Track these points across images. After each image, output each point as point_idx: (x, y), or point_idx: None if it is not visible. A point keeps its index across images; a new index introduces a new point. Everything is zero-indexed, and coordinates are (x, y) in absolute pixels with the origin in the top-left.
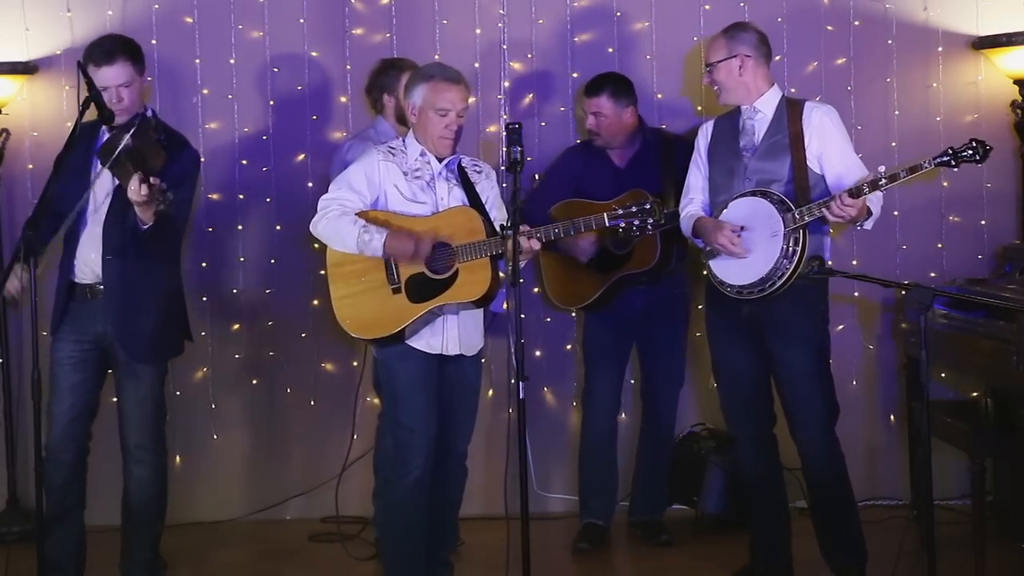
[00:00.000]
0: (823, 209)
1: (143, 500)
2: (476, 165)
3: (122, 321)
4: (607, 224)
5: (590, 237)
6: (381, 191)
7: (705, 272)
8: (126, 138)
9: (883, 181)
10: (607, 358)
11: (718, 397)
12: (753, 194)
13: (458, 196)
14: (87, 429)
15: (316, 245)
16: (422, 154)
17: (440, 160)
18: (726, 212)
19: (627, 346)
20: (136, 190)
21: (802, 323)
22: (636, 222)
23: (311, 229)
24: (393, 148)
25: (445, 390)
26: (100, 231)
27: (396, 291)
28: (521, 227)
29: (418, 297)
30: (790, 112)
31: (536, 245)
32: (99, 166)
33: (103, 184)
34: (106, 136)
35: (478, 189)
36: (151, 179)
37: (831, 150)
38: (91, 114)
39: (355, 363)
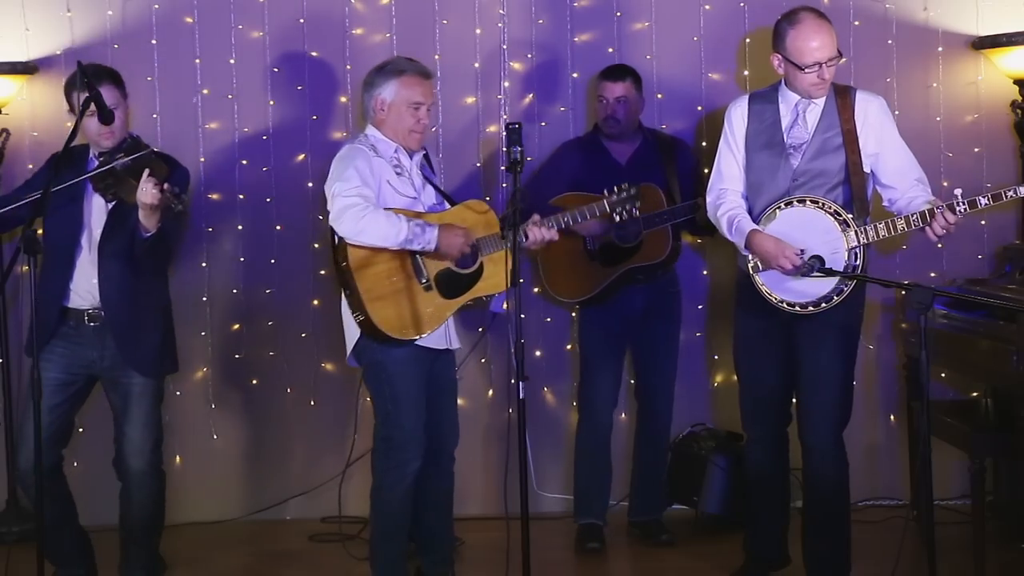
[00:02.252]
0: (916, 226)
1: (144, 518)
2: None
3: (126, 340)
4: (607, 210)
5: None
6: (378, 186)
7: (706, 272)
8: (119, 157)
9: (963, 207)
10: (607, 356)
11: (739, 396)
12: (803, 202)
13: (430, 190)
14: (59, 452)
15: (316, 245)
16: (395, 151)
17: (410, 155)
18: (774, 224)
19: (624, 345)
20: (147, 191)
21: (839, 328)
22: (627, 206)
23: (338, 226)
24: (374, 146)
25: (433, 388)
26: (96, 256)
27: (427, 288)
28: (534, 216)
29: (449, 293)
30: (840, 103)
31: (555, 235)
32: (91, 191)
33: (98, 210)
34: (95, 163)
35: (435, 181)
36: (165, 185)
37: (889, 148)
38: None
39: None
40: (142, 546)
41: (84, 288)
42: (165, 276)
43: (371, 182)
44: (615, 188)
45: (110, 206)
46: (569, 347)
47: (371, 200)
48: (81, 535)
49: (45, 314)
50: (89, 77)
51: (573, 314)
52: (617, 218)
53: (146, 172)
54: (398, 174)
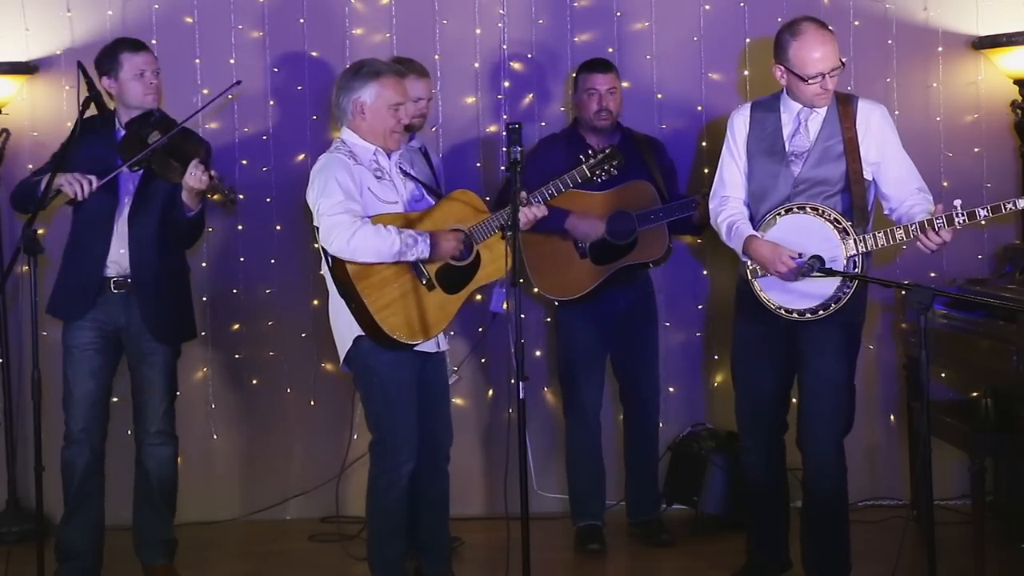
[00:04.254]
0: (915, 236)
1: (166, 479)
2: (422, 148)
3: (151, 308)
4: (588, 175)
5: (592, 219)
6: (360, 194)
7: (705, 272)
8: (155, 134)
9: (961, 218)
10: (591, 358)
11: (735, 402)
12: (803, 210)
13: (411, 188)
14: (108, 413)
15: (316, 245)
16: (374, 153)
17: (388, 155)
18: (773, 230)
19: (605, 346)
20: (198, 177)
21: (840, 335)
22: (606, 166)
23: (329, 246)
24: (351, 152)
25: (426, 390)
26: (126, 226)
27: (430, 288)
28: (520, 195)
29: (452, 288)
30: (842, 111)
31: (544, 211)
32: (121, 162)
33: (126, 181)
34: (122, 133)
35: (415, 172)
36: (211, 171)
37: (890, 158)
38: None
39: None
40: (166, 517)
41: (113, 258)
42: (182, 247)
43: (354, 193)
44: (590, 151)
45: (138, 177)
46: None
47: (357, 213)
48: (99, 521)
49: (85, 283)
50: (89, 77)
51: (549, 319)
52: (598, 180)
53: (196, 160)
54: (378, 178)
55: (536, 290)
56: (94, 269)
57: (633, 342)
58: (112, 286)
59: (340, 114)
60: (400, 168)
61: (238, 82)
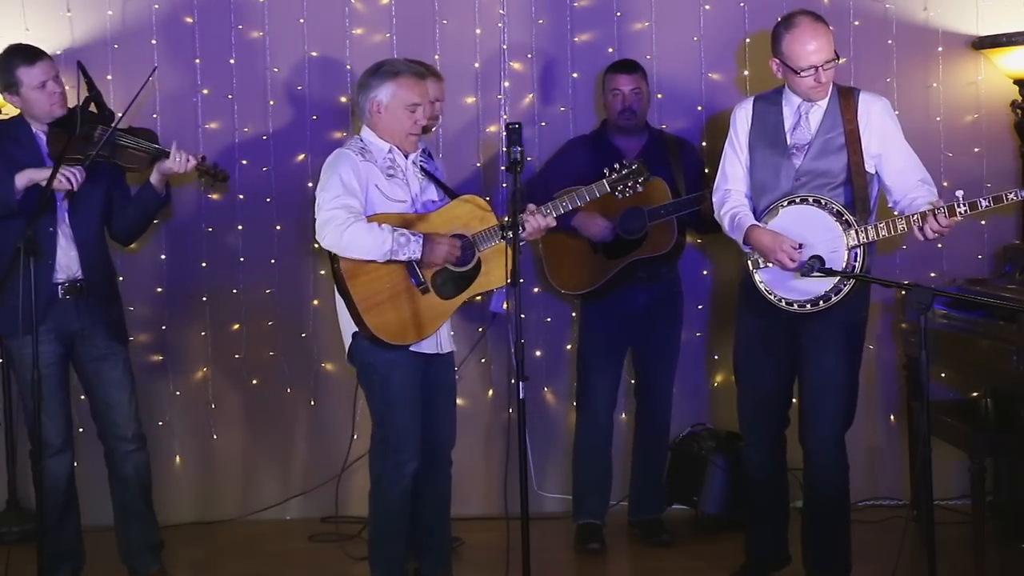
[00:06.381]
0: (916, 225)
1: (146, 482)
2: (424, 150)
3: (103, 308)
4: (608, 190)
5: (598, 219)
6: (365, 191)
7: (706, 272)
8: (99, 129)
9: (963, 208)
10: (606, 356)
11: (737, 397)
12: (806, 201)
13: (431, 188)
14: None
15: (317, 245)
16: (389, 151)
17: (406, 156)
18: (776, 220)
19: (625, 344)
20: (183, 160)
21: (842, 332)
22: (629, 183)
23: (322, 240)
24: (364, 148)
25: (430, 390)
26: (70, 229)
27: (424, 291)
28: (529, 205)
29: (447, 293)
30: (843, 104)
31: (552, 222)
32: (49, 164)
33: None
34: (43, 136)
35: (437, 176)
36: (200, 155)
37: (891, 149)
38: None
39: None
40: (151, 520)
41: (63, 263)
42: None
43: (356, 190)
44: (615, 166)
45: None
46: (569, 347)
47: (354, 210)
48: (80, 523)
49: (37, 293)
50: (89, 77)
51: (574, 314)
52: (620, 196)
53: (175, 143)
54: (390, 176)
55: (536, 289)
56: (45, 277)
57: (653, 340)
58: (61, 292)
59: (360, 113)
60: (423, 167)
61: (155, 68)
